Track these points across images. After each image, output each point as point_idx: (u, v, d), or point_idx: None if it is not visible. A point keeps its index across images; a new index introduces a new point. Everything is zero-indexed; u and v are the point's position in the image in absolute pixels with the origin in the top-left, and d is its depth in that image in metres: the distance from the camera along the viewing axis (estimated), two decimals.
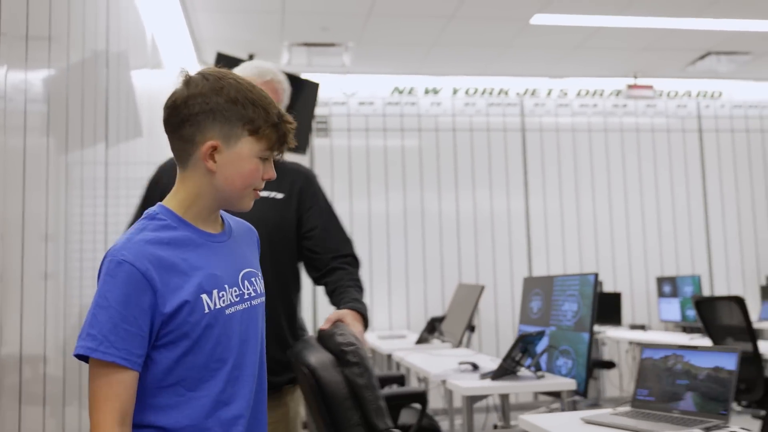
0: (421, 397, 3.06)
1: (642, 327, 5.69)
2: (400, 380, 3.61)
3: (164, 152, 2.32)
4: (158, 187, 2.01)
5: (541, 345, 3.01)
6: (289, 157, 6.52)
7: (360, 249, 6.44)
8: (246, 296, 1.34)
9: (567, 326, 3.16)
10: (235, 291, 1.32)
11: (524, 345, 2.78)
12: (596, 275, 3.04)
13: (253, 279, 1.37)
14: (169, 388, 1.25)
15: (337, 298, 1.99)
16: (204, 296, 1.26)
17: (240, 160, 1.29)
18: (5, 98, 1.77)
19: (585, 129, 6.58)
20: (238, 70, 1.97)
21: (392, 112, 6.32)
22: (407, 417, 3.16)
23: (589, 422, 1.89)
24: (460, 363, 3.05)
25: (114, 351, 1.19)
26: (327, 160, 6.19)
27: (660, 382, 1.99)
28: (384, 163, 6.25)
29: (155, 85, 3.88)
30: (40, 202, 1.84)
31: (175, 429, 1.24)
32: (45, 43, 2.30)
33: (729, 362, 1.84)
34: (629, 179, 6.57)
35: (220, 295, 1.29)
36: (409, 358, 3.64)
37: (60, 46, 2.41)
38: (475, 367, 2.99)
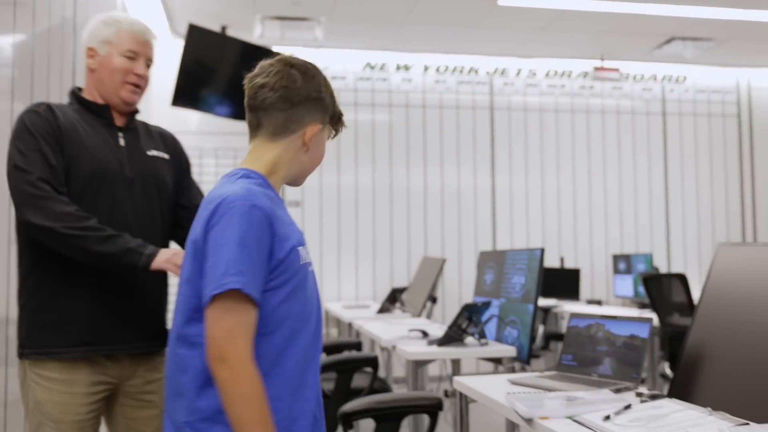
0: (372, 361, 3.21)
1: (599, 302, 5.89)
2: (357, 346, 3.76)
3: None
4: (52, 126, 1.84)
5: (488, 315, 3.17)
6: (243, 125, 6.42)
7: (329, 221, 6.56)
8: (310, 262, 1.47)
9: (515, 298, 3.31)
10: (307, 254, 1.46)
11: (470, 314, 2.93)
12: (542, 250, 3.19)
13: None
14: (264, 336, 1.33)
15: None
16: (300, 248, 1.40)
17: (322, 144, 1.52)
18: None
19: (552, 109, 6.72)
20: (113, 19, 1.97)
21: (364, 87, 6.41)
22: (361, 381, 3.31)
23: (514, 383, 2.05)
24: (410, 330, 3.19)
25: (255, 289, 1.29)
26: None
27: (583, 348, 2.15)
28: (354, 137, 6.35)
29: None
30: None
31: (267, 376, 1.31)
32: (11, 8, 2.37)
33: (642, 331, 2.00)
34: (593, 159, 6.74)
35: (307, 251, 1.44)
36: (367, 325, 3.79)
37: (26, 11, 2.48)
38: (425, 334, 3.14)
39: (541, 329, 5.41)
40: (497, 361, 2.93)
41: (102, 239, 1.73)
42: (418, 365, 2.75)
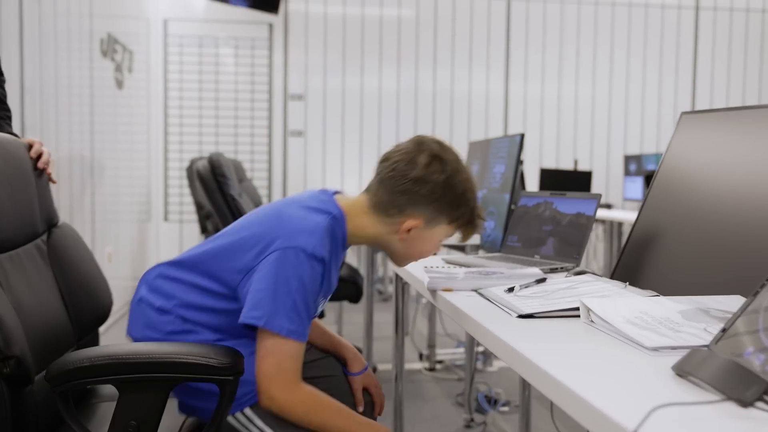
0: None
1: (608, 206, 5.67)
2: None
3: None
4: None
5: None
6: (259, 16, 6.12)
7: (332, 118, 6.29)
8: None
9: (494, 188, 3.14)
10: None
11: None
12: (522, 135, 2.98)
13: None
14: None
15: None
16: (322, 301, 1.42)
17: (430, 241, 1.42)
18: None
19: (575, 1, 6.30)
20: None
21: None
22: None
23: (449, 262, 1.90)
24: None
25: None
26: (301, 28, 6.00)
27: (528, 229, 1.98)
28: (361, 35, 6.06)
29: None
30: None
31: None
32: None
33: (589, 208, 1.82)
34: (616, 57, 6.34)
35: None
36: None
37: None
38: None
39: None
40: (461, 249, 2.78)
41: None
42: (375, 251, 2.62)
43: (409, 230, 1.39)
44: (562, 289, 1.33)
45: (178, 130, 5.85)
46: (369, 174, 5.28)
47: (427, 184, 1.37)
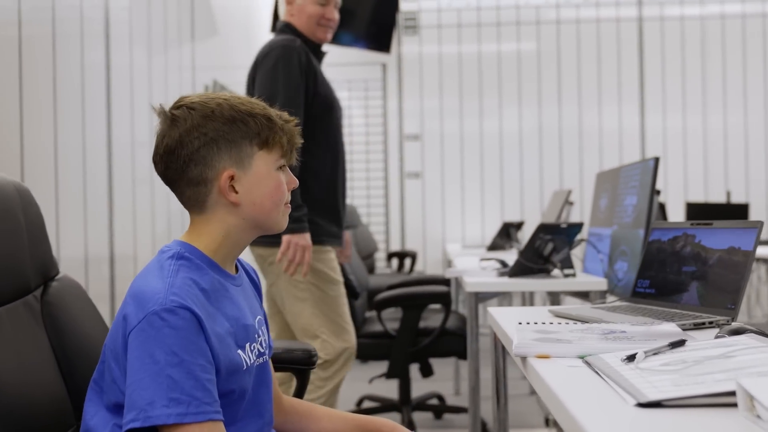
0: (443, 297, 2.73)
1: None
2: (446, 283, 3.29)
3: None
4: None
5: (593, 244, 2.56)
6: (372, 56, 6.04)
7: (450, 161, 5.94)
8: (262, 350, 1.21)
9: (626, 223, 2.67)
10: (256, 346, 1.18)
11: (551, 238, 2.35)
12: (656, 159, 2.51)
13: (262, 329, 1.22)
14: None
15: None
16: (240, 352, 1.12)
17: (262, 180, 1.14)
18: None
19: (717, 16, 5.66)
20: None
21: (488, 5, 5.74)
22: (436, 321, 2.84)
23: (556, 315, 1.49)
24: (482, 259, 2.67)
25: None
26: (416, 68, 5.76)
27: (664, 270, 1.53)
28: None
29: None
30: None
31: None
32: None
33: (747, 241, 1.35)
34: None
35: (252, 347, 1.16)
36: (457, 259, 3.30)
37: None
38: (504, 265, 2.59)
39: None
40: (584, 295, 2.34)
41: None
42: (479, 298, 2.23)
43: (233, 188, 1.11)
44: (710, 358, 0.90)
45: None
46: (492, 217, 4.88)
47: (190, 135, 1.10)
